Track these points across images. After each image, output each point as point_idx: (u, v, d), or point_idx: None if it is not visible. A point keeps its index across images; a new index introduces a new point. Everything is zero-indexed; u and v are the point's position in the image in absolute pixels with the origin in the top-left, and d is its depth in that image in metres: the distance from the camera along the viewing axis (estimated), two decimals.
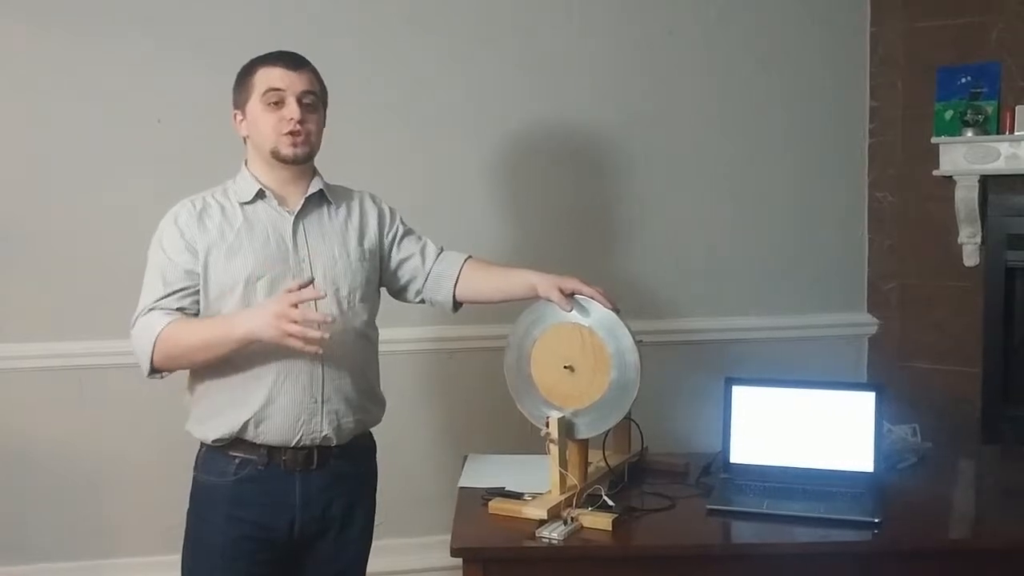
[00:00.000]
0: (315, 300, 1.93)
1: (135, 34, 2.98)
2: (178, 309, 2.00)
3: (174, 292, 2.00)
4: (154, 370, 2.00)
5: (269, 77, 2.04)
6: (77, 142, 2.99)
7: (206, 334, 1.97)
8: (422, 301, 2.29)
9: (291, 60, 2.07)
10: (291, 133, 2.03)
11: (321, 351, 1.92)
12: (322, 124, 2.12)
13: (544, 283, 2.14)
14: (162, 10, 3.00)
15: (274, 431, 2.02)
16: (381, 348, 2.22)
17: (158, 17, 3.00)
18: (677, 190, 3.39)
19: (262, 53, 2.10)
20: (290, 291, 1.90)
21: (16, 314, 3.00)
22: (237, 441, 2.03)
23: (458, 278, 2.24)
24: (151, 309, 2.00)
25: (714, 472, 2.29)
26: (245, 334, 1.93)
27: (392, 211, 2.26)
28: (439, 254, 2.28)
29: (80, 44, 2.96)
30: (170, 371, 2.03)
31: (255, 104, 2.05)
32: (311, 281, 1.96)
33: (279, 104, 2.03)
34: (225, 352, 1.96)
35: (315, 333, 1.86)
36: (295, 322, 1.86)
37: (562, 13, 3.27)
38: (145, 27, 2.99)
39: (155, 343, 1.96)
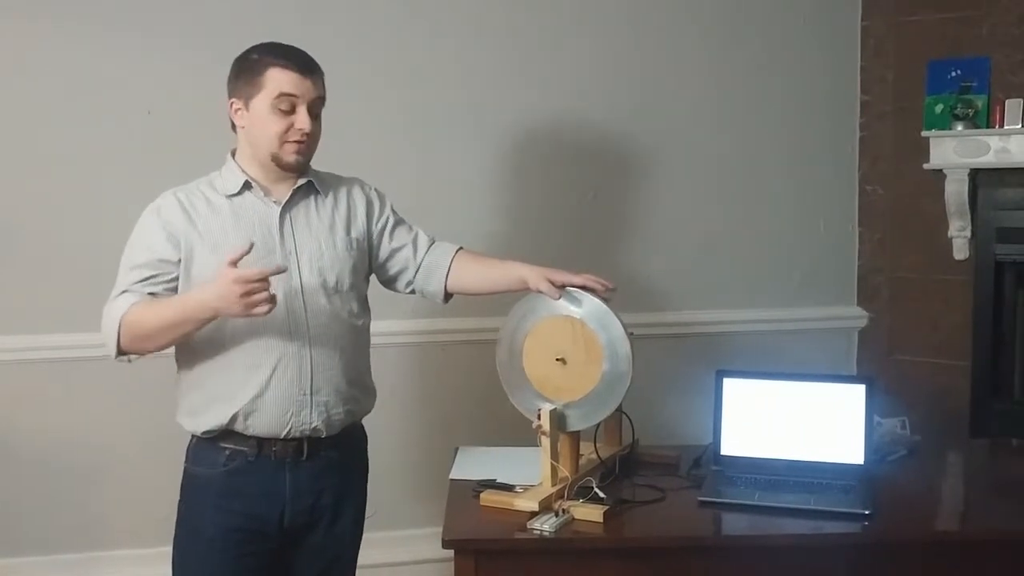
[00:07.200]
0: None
1: (125, 24, 2.96)
2: (150, 294, 1.97)
3: (147, 279, 1.98)
4: (121, 352, 1.98)
5: (282, 81, 1.99)
6: (66, 133, 2.96)
7: (168, 313, 1.92)
8: (412, 291, 2.28)
9: (305, 64, 2.02)
10: (297, 142, 2.01)
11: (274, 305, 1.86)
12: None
13: (533, 275, 2.14)
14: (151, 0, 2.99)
15: (263, 424, 2.01)
16: (373, 340, 2.21)
17: (148, 7, 2.97)
18: (669, 184, 3.38)
19: (267, 42, 2.04)
20: (233, 261, 1.84)
21: (3, 306, 2.98)
22: (227, 432, 2.02)
23: (449, 269, 2.23)
24: (122, 292, 1.98)
25: (705, 464, 2.30)
26: (205, 308, 1.87)
27: (382, 197, 2.24)
28: (431, 245, 2.27)
29: (69, 35, 2.94)
30: (139, 354, 2.00)
31: (262, 104, 2.00)
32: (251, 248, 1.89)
33: (290, 111, 2.00)
34: (190, 330, 1.93)
35: (266, 294, 1.82)
36: (252, 282, 1.81)
37: (558, 7, 3.26)
38: (135, 17, 2.96)
39: (120, 325, 1.94)
